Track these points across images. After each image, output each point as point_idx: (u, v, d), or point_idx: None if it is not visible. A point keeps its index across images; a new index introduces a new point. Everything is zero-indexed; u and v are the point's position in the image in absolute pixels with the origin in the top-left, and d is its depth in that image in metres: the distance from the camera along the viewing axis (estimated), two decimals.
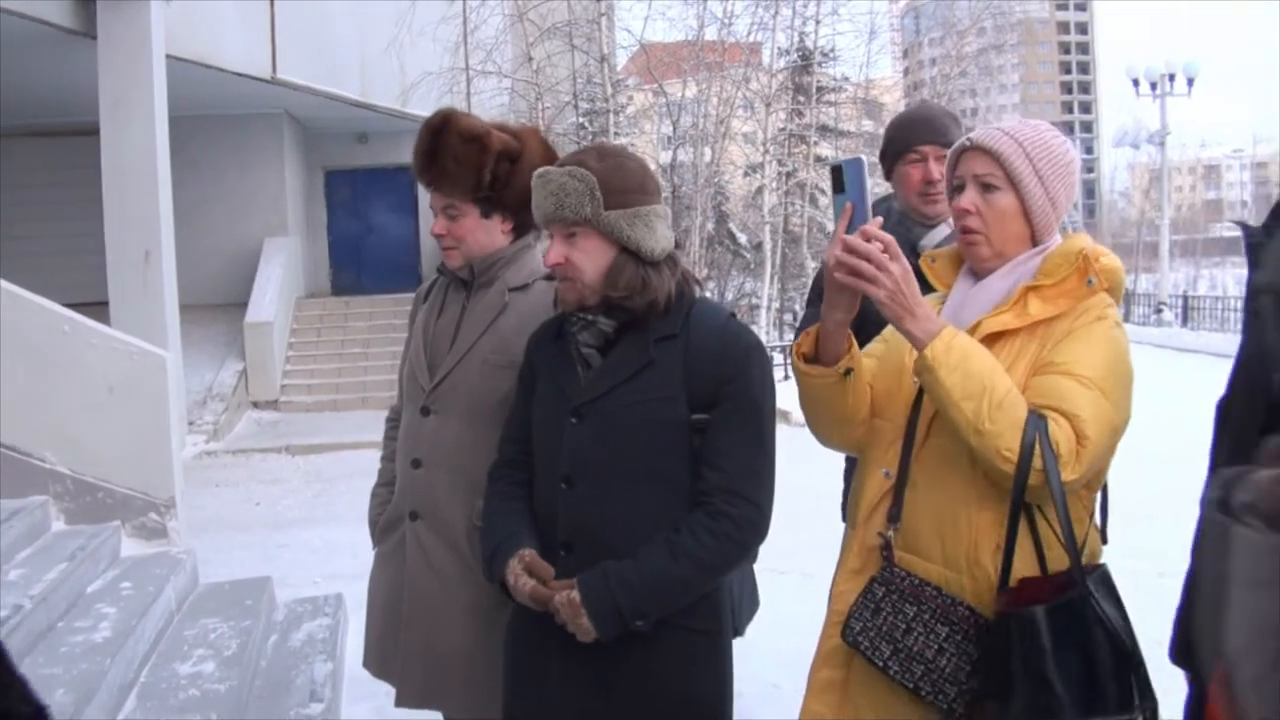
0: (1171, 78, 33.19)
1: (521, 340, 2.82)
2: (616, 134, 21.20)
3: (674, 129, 24.59)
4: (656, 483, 2.47)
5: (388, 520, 3.14)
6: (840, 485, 3.57)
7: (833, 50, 27.39)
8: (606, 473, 2.47)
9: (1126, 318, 26.49)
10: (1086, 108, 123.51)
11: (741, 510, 2.43)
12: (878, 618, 2.31)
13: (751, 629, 3.02)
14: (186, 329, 10.31)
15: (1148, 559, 4.98)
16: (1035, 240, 2.43)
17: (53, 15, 9.73)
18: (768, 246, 24.76)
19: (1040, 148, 2.40)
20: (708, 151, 23.37)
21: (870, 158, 2.91)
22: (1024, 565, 2.24)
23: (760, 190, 26.52)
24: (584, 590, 2.39)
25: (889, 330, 2.55)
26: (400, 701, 3.08)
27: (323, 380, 16.86)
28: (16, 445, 6.79)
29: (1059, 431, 2.18)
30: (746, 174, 28.99)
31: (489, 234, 3.03)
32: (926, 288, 2.44)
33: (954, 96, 29.37)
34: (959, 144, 2.49)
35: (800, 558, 5.24)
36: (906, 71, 37.08)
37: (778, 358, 17.45)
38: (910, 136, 3.60)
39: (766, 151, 25.03)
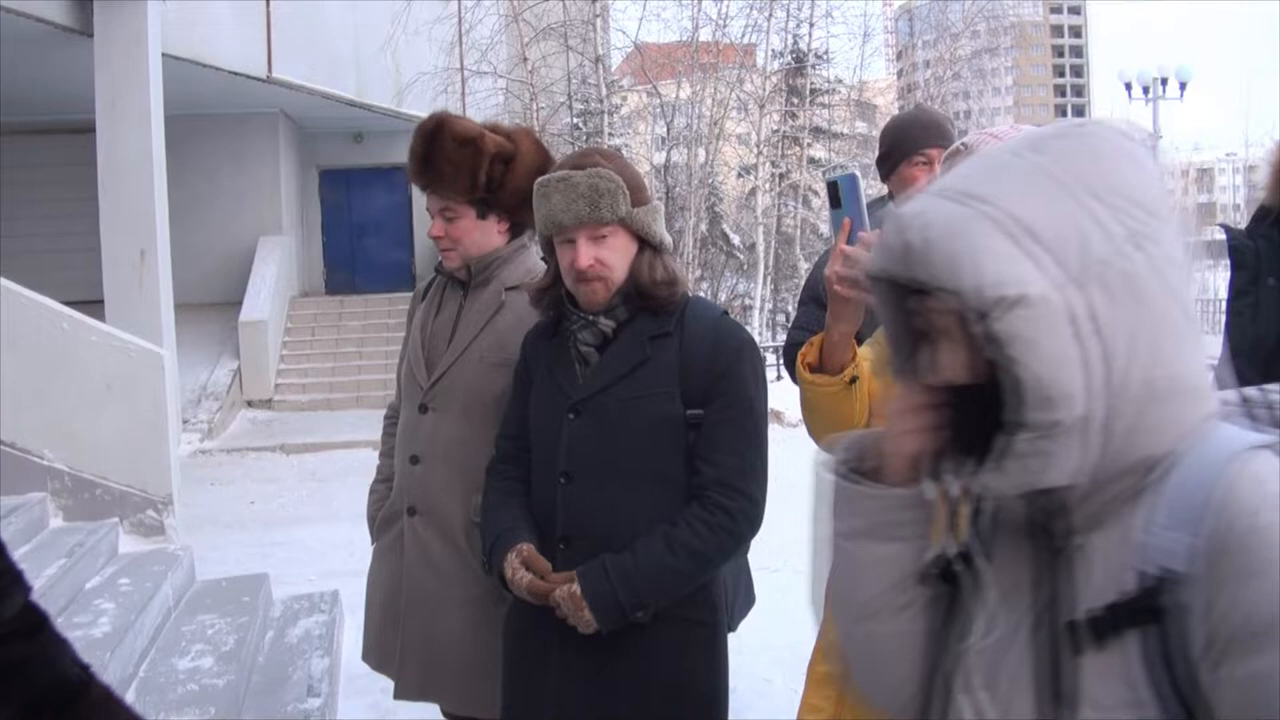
0: (1164, 81, 33.27)
1: (518, 339, 2.87)
2: (611, 135, 21.26)
3: (668, 130, 24.61)
4: (653, 477, 2.52)
5: (386, 516, 3.19)
6: None
7: (827, 52, 27.48)
8: (604, 468, 2.53)
9: None
10: (1079, 110, 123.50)
11: (736, 503, 2.49)
12: None
13: (744, 625, 3.07)
14: (181, 328, 10.30)
15: None
16: None
17: (50, 13, 9.73)
18: (761, 248, 24.83)
19: None
20: (702, 153, 23.39)
21: (864, 160, 2.96)
22: None
23: (754, 191, 26.59)
24: (584, 583, 2.44)
25: (882, 333, 2.60)
26: (399, 694, 3.14)
27: (317, 379, 16.88)
28: (15, 442, 6.84)
29: None
30: (740, 175, 29.02)
31: (486, 235, 3.08)
32: None
33: (947, 99, 29.41)
34: (952, 148, 2.55)
35: (792, 555, 5.28)
36: (900, 74, 37.15)
37: (770, 358, 17.50)
38: (916, 140, 3.64)
39: (760, 153, 25.10)
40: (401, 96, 17.62)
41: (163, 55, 10.26)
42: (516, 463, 2.73)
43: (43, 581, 5.09)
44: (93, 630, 4.87)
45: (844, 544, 1.44)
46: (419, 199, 13.83)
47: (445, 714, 3.22)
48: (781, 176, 26.08)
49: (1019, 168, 1.23)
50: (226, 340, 16.47)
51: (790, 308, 25.22)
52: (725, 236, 28.78)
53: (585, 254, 2.53)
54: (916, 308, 1.30)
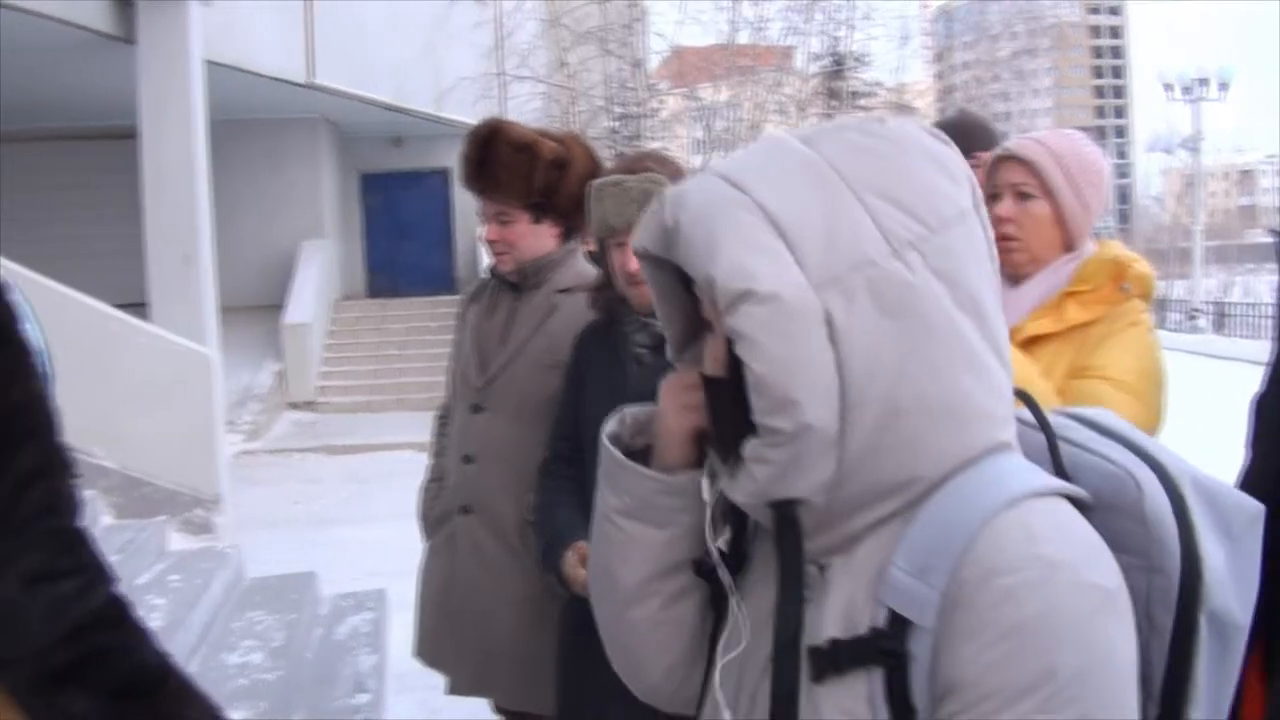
0: (1204, 82, 33.01)
1: (569, 340, 2.91)
2: (649, 138, 21.26)
3: (707, 133, 24.60)
4: None
5: (439, 514, 3.25)
6: None
7: (865, 55, 27.39)
8: None
9: (1160, 324, 26.33)
10: (1119, 112, 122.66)
11: None
12: None
13: None
14: (224, 330, 10.43)
15: None
16: (1069, 247, 2.52)
17: (93, 21, 9.83)
18: None
19: (1074, 157, 2.50)
20: None
21: None
22: None
23: None
24: None
25: None
26: (452, 690, 3.20)
27: (359, 381, 16.98)
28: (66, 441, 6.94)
29: None
30: None
31: (539, 239, 3.12)
32: None
33: (986, 101, 29.30)
34: (995, 153, 2.58)
35: None
36: (941, 76, 37.00)
37: None
38: (967, 143, 3.65)
39: None
40: (441, 101, 17.70)
41: (205, 61, 10.38)
42: (570, 462, 2.77)
43: None
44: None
45: (617, 519, 1.35)
46: (459, 202, 13.96)
47: (498, 710, 3.26)
48: None
49: (792, 158, 1.14)
50: (269, 343, 16.60)
51: None
52: None
53: (635, 258, 2.57)
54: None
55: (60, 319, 6.95)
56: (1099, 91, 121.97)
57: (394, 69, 16.74)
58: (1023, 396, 1.24)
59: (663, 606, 1.33)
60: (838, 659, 1.09)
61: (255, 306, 16.98)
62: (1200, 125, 34.02)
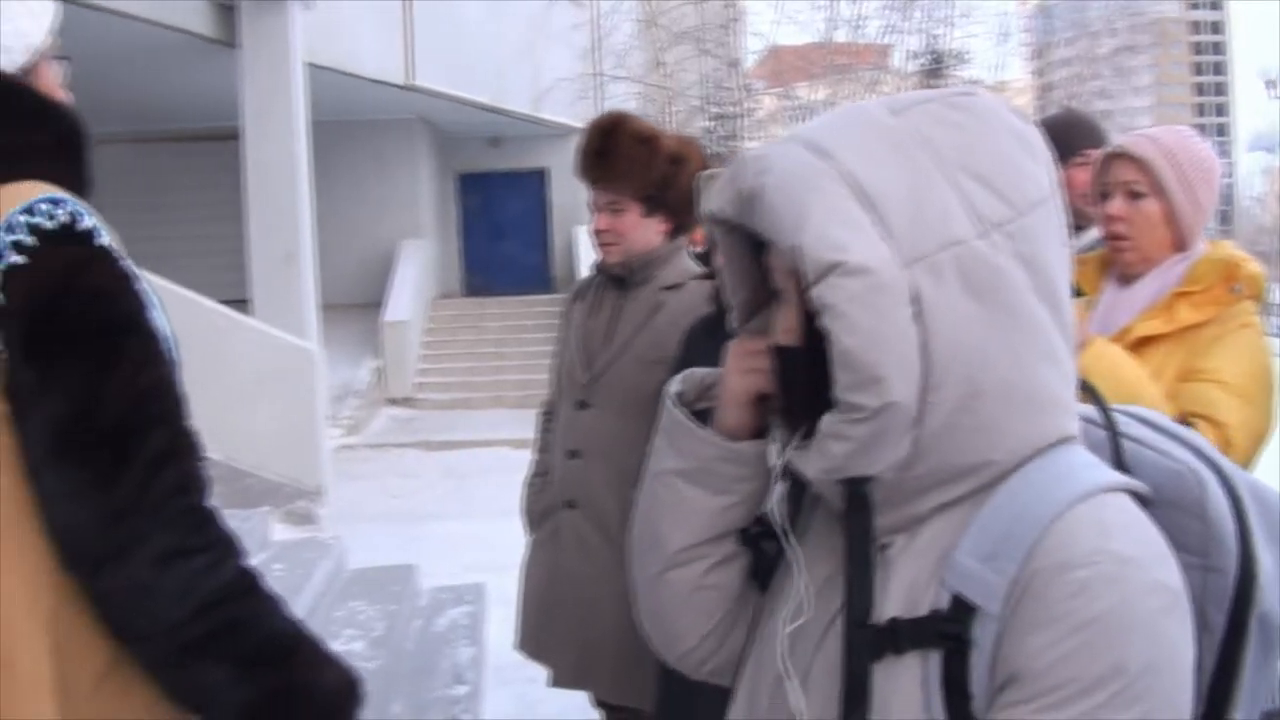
0: None
1: (674, 337, 2.93)
2: (745, 138, 21.23)
3: None
4: None
5: (544, 509, 3.28)
6: None
7: (964, 52, 27.08)
8: None
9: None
10: (1220, 110, 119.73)
11: None
12: None
13: None
14: (324, 328, 10.59)
15: None
16: (1179, 246, 2.48)
17: (196, 25, 10.03)
18: None
19: (1186, 154, 2.46)
20: None
21: None
22: None
23: None
24: None
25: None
26: (555, 682, 3.23)
27: (456, 379, 17.11)
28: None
29: (1206, 439, 2.22)
30: None
31: (647, 233, 3.14)
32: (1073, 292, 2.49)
33: (1086, 99, 28.80)
34: (1105, 151, 2.55)
35: None
36: (1040, 73, 36.39)
37: None
38: (1075, 140, 3.61)
39: None
40: (539, 101, 17.81)
41: (306, 64, 10.55)
42: None
43: None
44: None
45: (673, 481, 1.32)
46: (555, 203, 14.03)
47: (598, 703, 3.29)
48: None
49: (877, 127, 1.12)
50: (367, 340, 16.79)
51: None
52: None
53: None
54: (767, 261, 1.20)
55: (168, 315, 7.13)
56: (1199, 89, 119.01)
57: (492, 70, 16.86)
58: (1087, 389, 1.24)
59: (705, 572, 1.32)
60: (897, 639, 1.09)
61: (355, 304, 17.19)
62: None
